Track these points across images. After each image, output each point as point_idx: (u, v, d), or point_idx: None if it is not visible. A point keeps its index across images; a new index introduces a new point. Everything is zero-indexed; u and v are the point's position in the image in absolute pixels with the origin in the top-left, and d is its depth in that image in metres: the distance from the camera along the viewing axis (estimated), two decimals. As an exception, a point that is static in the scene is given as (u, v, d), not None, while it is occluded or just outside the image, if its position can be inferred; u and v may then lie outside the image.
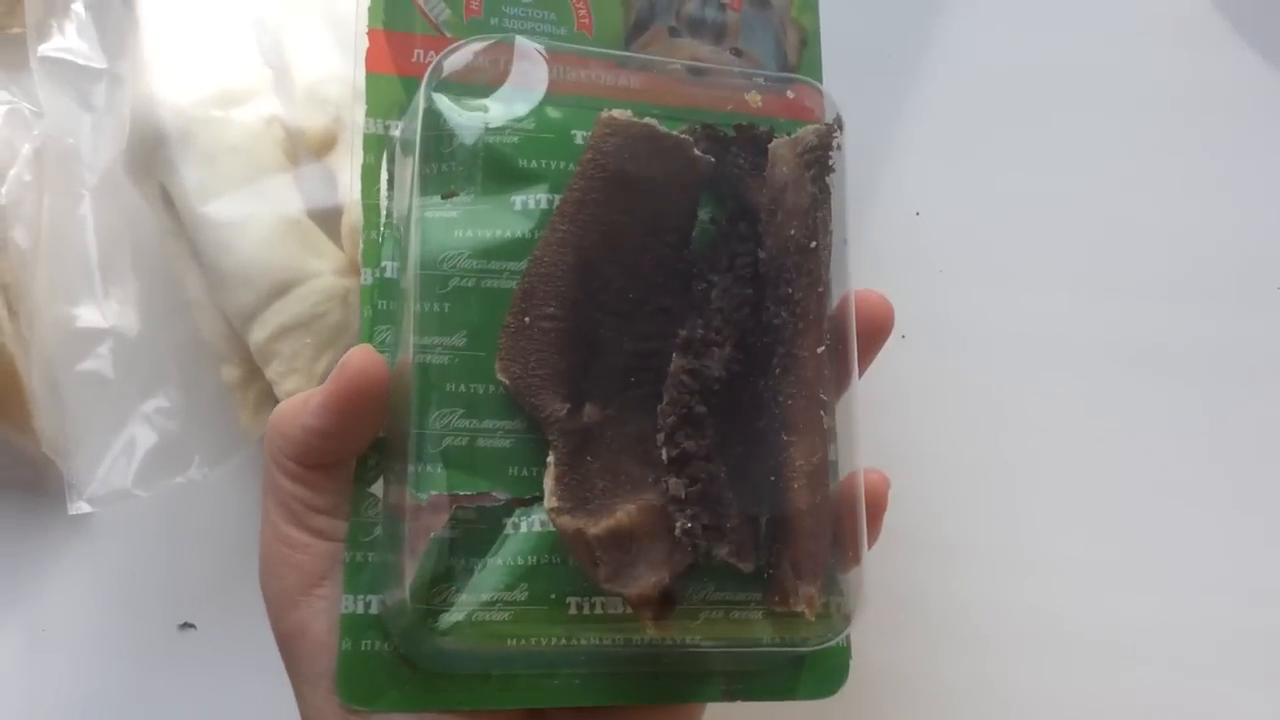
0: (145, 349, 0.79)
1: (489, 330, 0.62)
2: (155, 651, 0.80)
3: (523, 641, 0.60)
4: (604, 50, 0.68)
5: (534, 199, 0.63)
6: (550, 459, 0.61)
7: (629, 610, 0.60)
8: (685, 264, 0.64)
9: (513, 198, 0.63)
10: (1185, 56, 0.97)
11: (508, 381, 0.61)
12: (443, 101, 0.63)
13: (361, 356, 0.60)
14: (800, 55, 0.72)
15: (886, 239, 0.89)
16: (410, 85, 0.65)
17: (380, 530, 0.62)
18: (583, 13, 0.69)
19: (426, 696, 0.62)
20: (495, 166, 0.63)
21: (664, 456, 0.61)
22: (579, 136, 0.64)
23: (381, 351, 0.62)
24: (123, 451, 0.78)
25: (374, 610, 0.62)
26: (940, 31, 0.96)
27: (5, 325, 0.77)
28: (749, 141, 0.66)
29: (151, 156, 0.75)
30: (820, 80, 0.72)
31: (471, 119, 0.63)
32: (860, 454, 0.65)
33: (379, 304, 0.64)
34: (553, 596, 0.60)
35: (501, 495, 0.61)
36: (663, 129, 0.63)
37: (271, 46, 0.78)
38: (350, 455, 0.62)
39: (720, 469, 0.62)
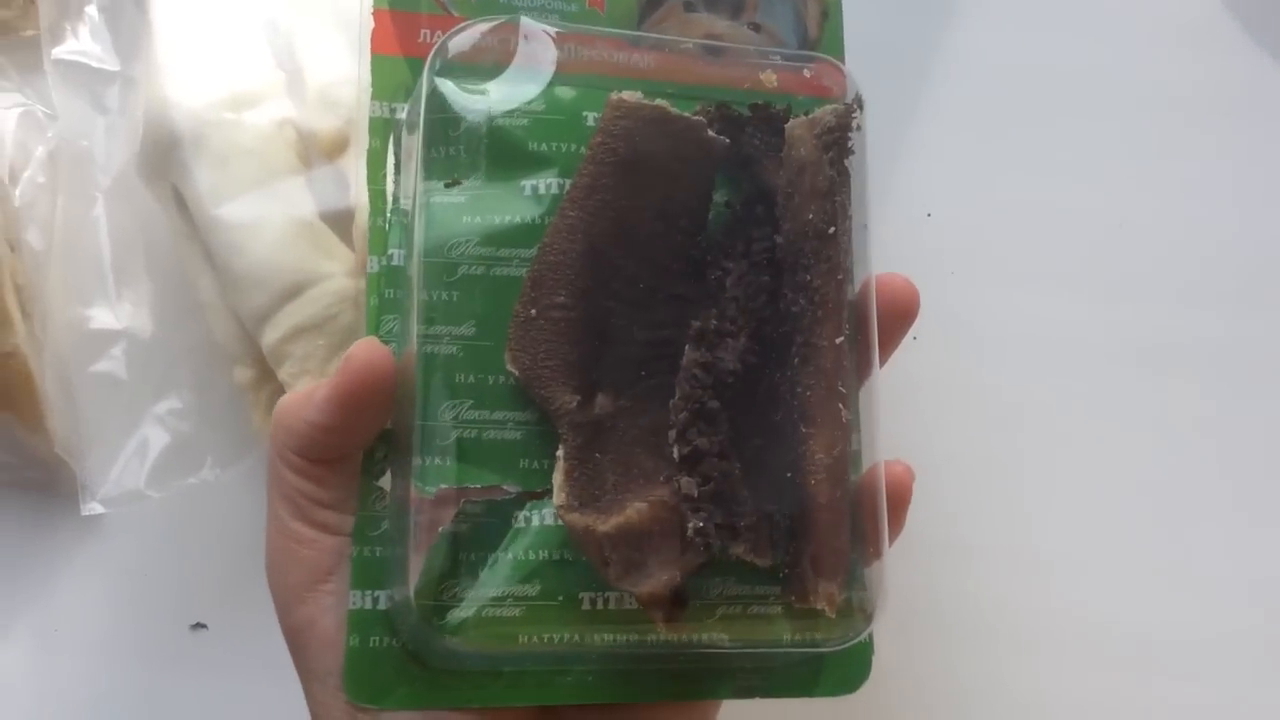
0: (158, 350, 0.78)
1: (498, 320, 0.59)
2: (167, 651, 0.78)
3: (534, 638, 0.58)
4: (614, 30, 0.64)
5: (544, 183, 0.60)
6: (560, 453, 0.59)
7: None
8: (699, 250, 0.62)
9: (522, 182, 0.60)
10: (1196, 58, 0.95)
11: (517, 372, 0.59)
12: (447, 84, 0.60)
13: (367, 349, 0.58)
14: (822, 28, 0.69)
15: (898, 240, 0.87)
16: (417, 66, 0.62)
17: (388, 524, 0.60)
18: (594, -12, 0.66)
19: (435, 694, 0.59)
20: (503, 150, 0.60)
21: (675, 454, 0.58)
22: (590, 118, 0.61)
23: (388, 341, 0.60)
24: (135, 452, 0.76)
25: (382, 606, 0.59)
26: (951, 33, 0.94)
27: (19, 326, 0.75)
28: (765, 121, 0.63)
29: (165, 159, 0.74)
30: (843, 54, 0.69)
31: (478, 101, 0.60)
32: (881, 445, 0.63)
33: (386, 292, 0.61)
34: (565, 592, 0.58)
35: (511, 488, 0.59)
36: (675, 111, 0.60)
37: (284, 49, 0.76)
38: (356, 449, 0.60)
39: (734, 466, 0.59)
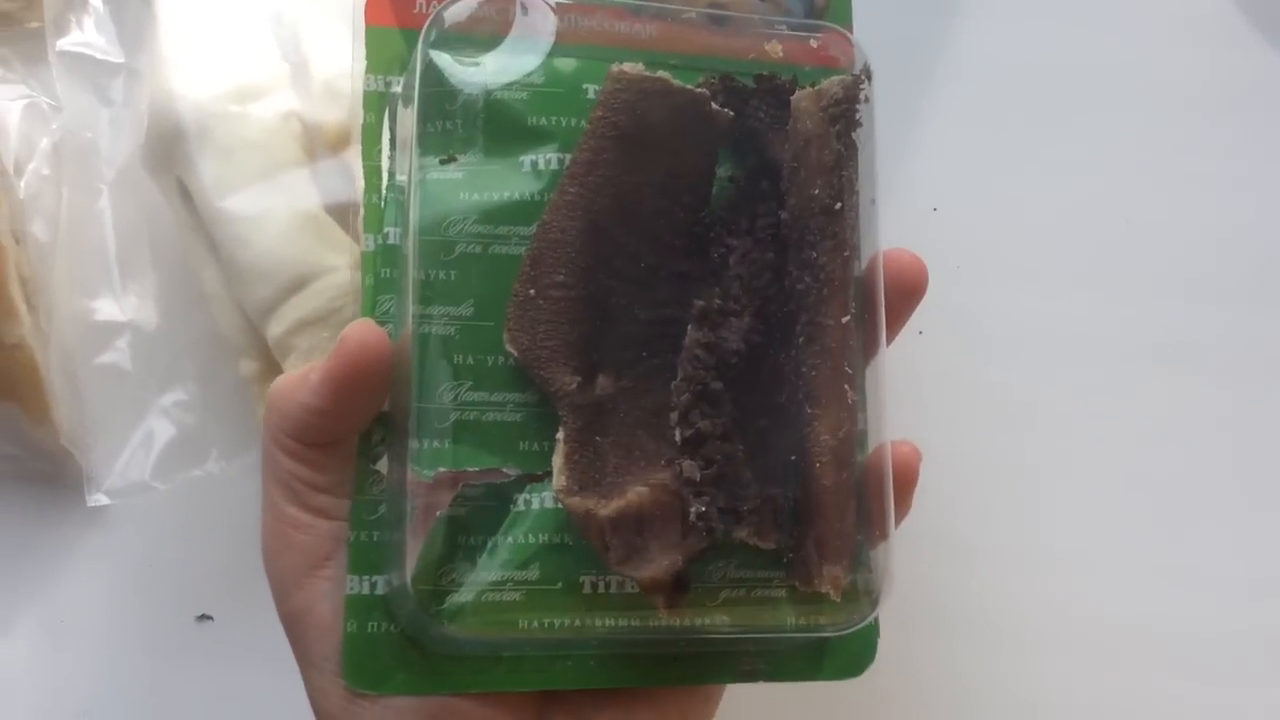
0: (163, 343, 0.77)
1: (497, 299, 0.57)
2: (172, 643, 0.77)
3: (534, 623, 0.56)
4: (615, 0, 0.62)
5: (544, 158, 0.58)
6: (560, 436, 0.57)
7: (645, 590, 0.56)
8: (702, 226, 0.59)
9: (521, 158, 0.58)
10: (1205, 54, 0.94)
11: (516, 353, 0.57)
12: (443, 56, 0.58)
13: (361, 330, 0.56)
14: None
15: (904, 235, 0.84)
16: (412, 38, 0.59)
17: (385, 509, 0.58)
18: (597, -46, 0.64)
19: (434, 679, 0.57)
20: (501, 124, 0.58)
21: (678, 437, 0.56)
22: (590, 90, 0.59)
23: (384, 322, 0.58)
24: (141, 444, 0.76)
25: (379, 591, 0.57)
26: (958, 28, 0.93)
27: (24, 318, 0.74)
28: (770, 93, 0.61)
29: (169, 151, 0.73)
30: (851, 23, 0.67)
31: (474, 74, 0.58)
32: (889, 425, 0.61)
33: (381, 272, 0.59)
34: (566, 576, 0.56)
35: (511, 471, 0.57)
36: (677, 83, 0.58)
37: (289, 41, 0.75)
38: (351, 433, 0.58)
39: (738, 448, 0.57)
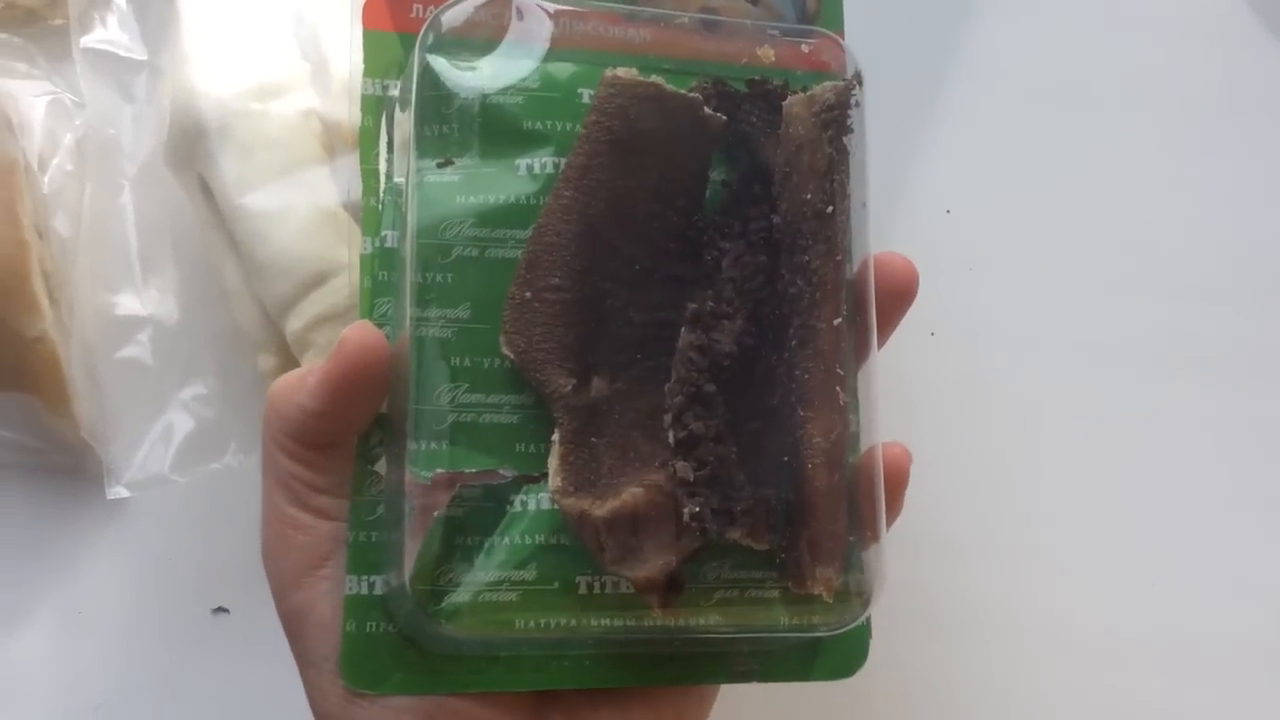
0: (183, 337, 0.78)
1: (493, 302, 0.57)
2: (189, 635, 0.78)
3: (531, 623, 0.56)
4: (610, 4, 0.61)
5: (539, 162, 0.58)
6: (555, 437, 0.56)
7: (639, 591, 0.56)
8: (696, 230, 0.59)
9: (516, 161, 0.58)
10: (1218, 55, 0.93)
11: (512, 355, 0.56)
12: (440, 60, 0.57)
13: (360, 333, 0.56)
14: (820, 1, 0.66)
15: (917, 236, 0.86)
16: (410, 42, 0.59)
17: (383, 509, 0.58)
18: (591, -41, 0.63)
19: (432, 679, 0.57)
20: (497, 128, 0.57)
21: (671, 439, 0.56)
22: (585, 95, 0.58)
23: (381, 325, 0.58)
24: (160, 438, 0.76)
25: (378, 591, 0.57)
26: (971, 31, 0.92)
27: (47, 312, 0.74)
28: (762, 98, 0.60)
29: (191, 148, 0.73)
30: (842, 27, 0.66)
31: (470, 78, 0.57)
32: (880, 427, 0.60)
33: (379, 275, 0.59)
34: (561, 576, 0.56)
35: (508, 472, 0.56)
36: (670, 88, 0.58)
37: (309, 40, 0.75)
38: (350, 435, 0.58)
39: (731, 450, 0.57)
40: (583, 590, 0.56)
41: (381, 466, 0.58)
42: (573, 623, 0.56)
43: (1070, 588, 0.82)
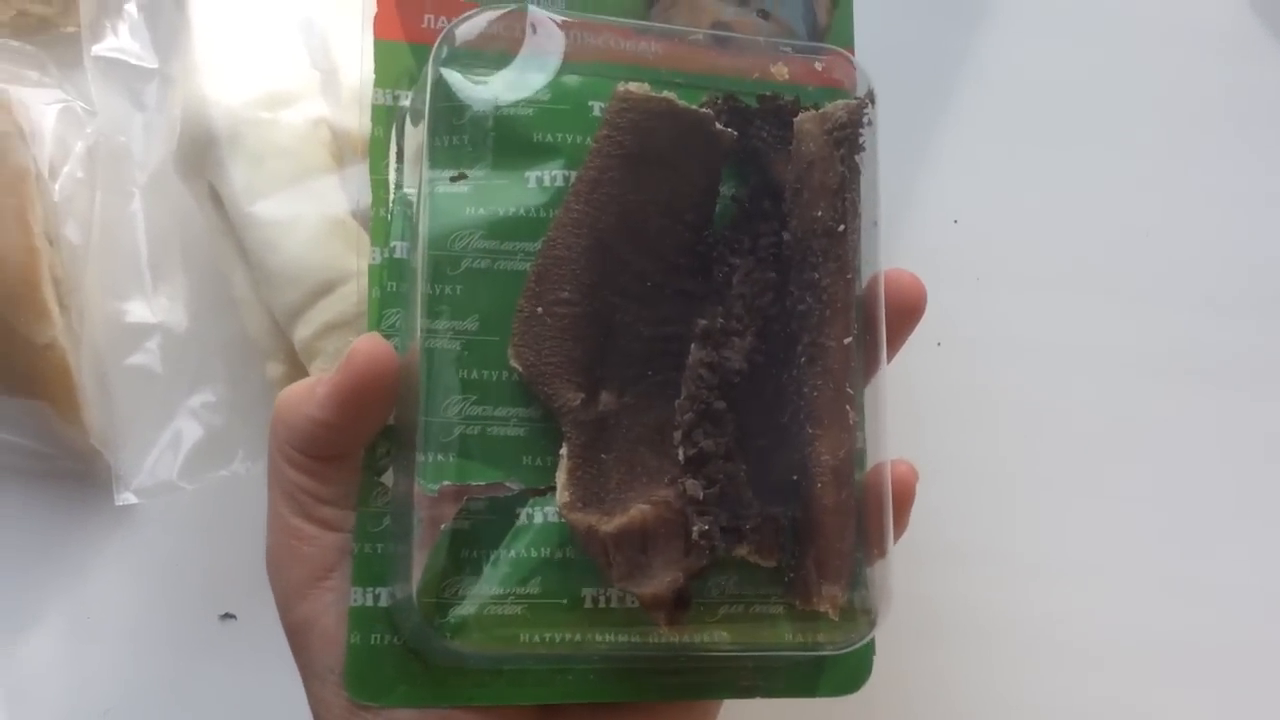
0: (193, 345, 0.77)
1: (503, 314, 0.56)
2: (196, 641, 0.77)
3: (536, 637, 0.55)
4: (622, 20, 0.61)
5: (549, 175, 0.57)
6: (563, 451, 0.56)
7: (646, 606, 0.56)
8: (706, 245, 0.59)
9: (527, 173, 0.57)
10: (1225, 67, 0.92)
11: (521, 368, 0.56)
12: (453, 73, 0.57)
13: (369, 345, 0.55)
14: (831, 15, 0.66)
15: (924, 246, 0.86)
16: (420, 53, 0.59)
17: (390, 521, 0.57)
18: (603, -27, 0.63)
19: (437, 692, 0.57)
20: (509, 140, 0.57)
21: (680, 456, 0.56)
22: (596, 108, 0.58)
23: (390, 335, 0.57)
24: (169, 445, 0.76)
25: (383, 603, 0.57)
26: (979, 42, 0.91)
27: (57, 319, 0.74)
28: (773, 114, 0.60)
29: (201, 156, 0.72)
30: (852, 42, 0.66)
31: (483, 90, 0.57)
32: (888, 444, 0.60)
33: (388, 285, 0.58)
34: (568, 591, 0.56)
35: (515, 485, 0.56)
36: (682, 104, 0.57)
37: (319, 49, 0.75)
38: (357, 447, 0.58)
39: (740, 468, 0.56)
40: (589, 605, 0.56)
41: (388, 478, 0.58)
42: (578, 637, 0.56)
43: (1077, 598, 0.82)
